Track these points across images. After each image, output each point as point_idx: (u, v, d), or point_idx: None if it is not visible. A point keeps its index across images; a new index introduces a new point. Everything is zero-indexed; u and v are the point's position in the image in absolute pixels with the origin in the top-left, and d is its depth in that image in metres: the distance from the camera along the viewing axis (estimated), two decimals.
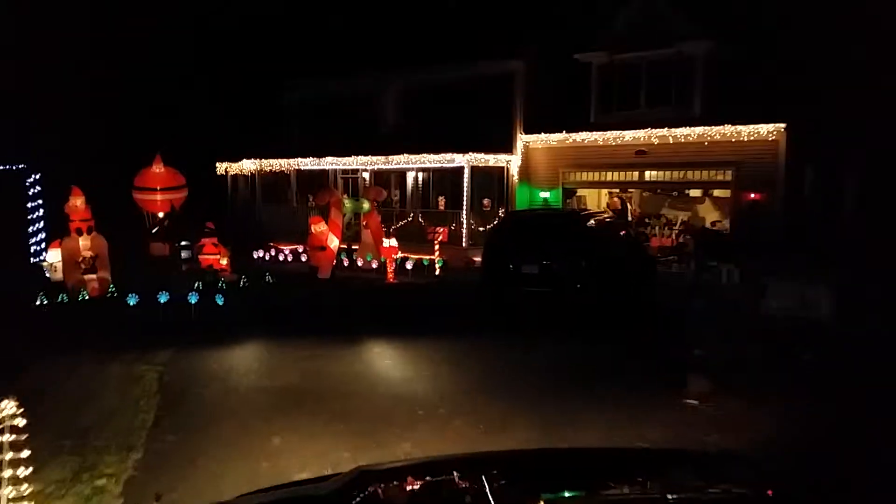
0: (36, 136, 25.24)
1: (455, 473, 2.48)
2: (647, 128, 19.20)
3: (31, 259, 20.38)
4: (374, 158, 22.56)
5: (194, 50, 31.00)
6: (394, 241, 18.48)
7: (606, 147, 20.07)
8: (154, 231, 19.29)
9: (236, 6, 31.27)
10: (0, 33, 26.32)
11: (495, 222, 14.12)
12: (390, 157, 22.14)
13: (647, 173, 20.12)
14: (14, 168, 20.15)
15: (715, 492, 2.34)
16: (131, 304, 13.18)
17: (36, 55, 27.84)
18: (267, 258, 22.03)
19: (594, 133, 20.16)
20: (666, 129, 18.89)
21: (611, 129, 19.86)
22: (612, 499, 2.28)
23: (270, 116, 28.20)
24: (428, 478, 2.51)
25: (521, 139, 21.75)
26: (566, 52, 20.66)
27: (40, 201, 20.74)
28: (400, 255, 19.04)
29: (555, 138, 20.98)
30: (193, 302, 13.44)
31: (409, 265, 18.25)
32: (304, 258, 20.37)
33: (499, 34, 21.91)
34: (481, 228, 21.22)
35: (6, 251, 19.91)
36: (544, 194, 21.43)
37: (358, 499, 2.11)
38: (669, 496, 2.18)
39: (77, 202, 16.54)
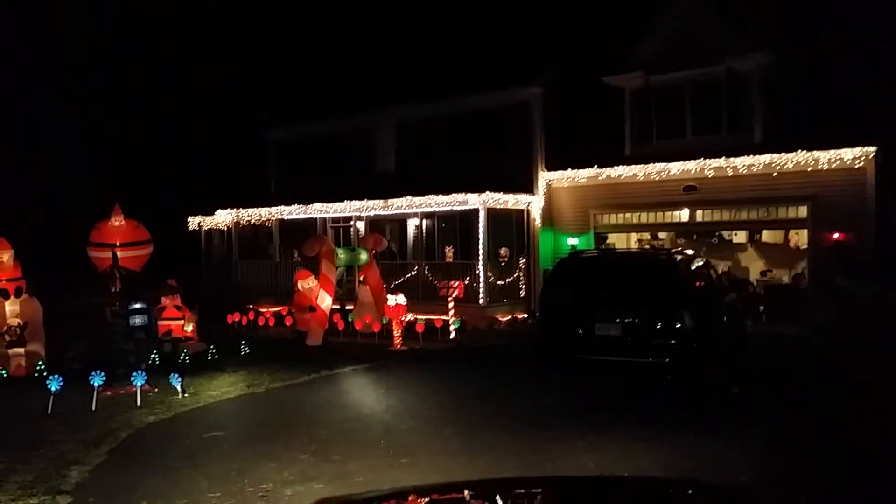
0: None
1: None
2: (697, 158, 16.16)
3: None
4: (371, 203, 19.25)
5: (160, 88, 27.90)
6: (401, 299, 14.99)
7: (648, 183, 17.00)
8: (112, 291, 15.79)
9: (209, 38, 28.34)
10: None
11: (554, 267, 10.66)
12: (389, 202, 18.86)
13: (697, 213, 17.01)
14: None
15: None
16: (53, 389, 9.56)
17: None
18: (244, 323, 18.46)
19: (632, 167, 17.12)
20: (722, 158, 15.86)
21: (652, 162, 16.80)
22: None
23: (249, 161, 25.09)
24: None
25: (543, 177, 18.65)
26: (592, 76, 17.80)
27: None
28: (409, 315, 15.57)
29: (584, 175, 17.90)
30: (139, 385, 9.89)
31: (418, 328, 14.78)
32: (289, 322, 16.82)
33: (512, 58, 19.03)
34: (500, 283, 17.89)
35: None
36: (572, 241, 18.21)
37: None
38: None
39: (3, 257, 13.09)
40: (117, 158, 26.61)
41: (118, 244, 15.59)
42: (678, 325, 8.91)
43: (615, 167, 17.31)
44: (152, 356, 12.56)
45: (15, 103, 25.64)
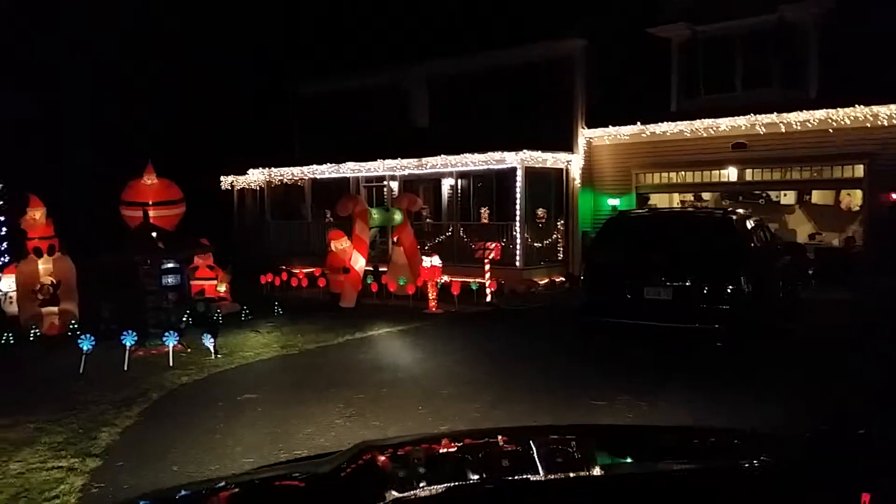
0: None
1: (464, 447, 2.32)
2: (747, 114, 15.37)
3: None
4: (404, 162, 18.77)
5: (191, 46, 27.48)
6: (436, 260, 14.59)
7: (694, 140, 16.26)
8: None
9: None
10: None
11: (601, 227, 10.16)
12: (423, 160, 18.36)
13: (746, 172, 16.27)
14: None
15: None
16: (85, 348, 9.40)
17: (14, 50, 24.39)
18: (277, 284, 18.26)
19: (678, 123, 16.36)
20: (774, 114, 15.07)
21: (699, 118, 16.03)
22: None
23: (281, 120, 24.69)
24: (433, 451, 2.28)
25: (584, 135, 17.98)
26: (636, 27, 16.98)
27: (2, 217, 17.17)
28: (444, 277, 15.19)
29: (626, 132, 17.20)
30: (171, 345, 9.70)
31: (453, 290, 14.39)
32: (322, 283, 16.57)
33: (552, 9, 18.24)
34: (537, 244, 17.40)
35: None
36: (613, 201, 17.59)
37: (360, 472, 1.91)
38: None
39: (35, 215, 13.01)
40: (150, 117, 26.39)
41: (150, 203, 15.43)
42: (733, 289, 8.39)
43: (660, 124, 16.57)
44: (185, 316, 12.36)
45: (48, 60, 25.49)
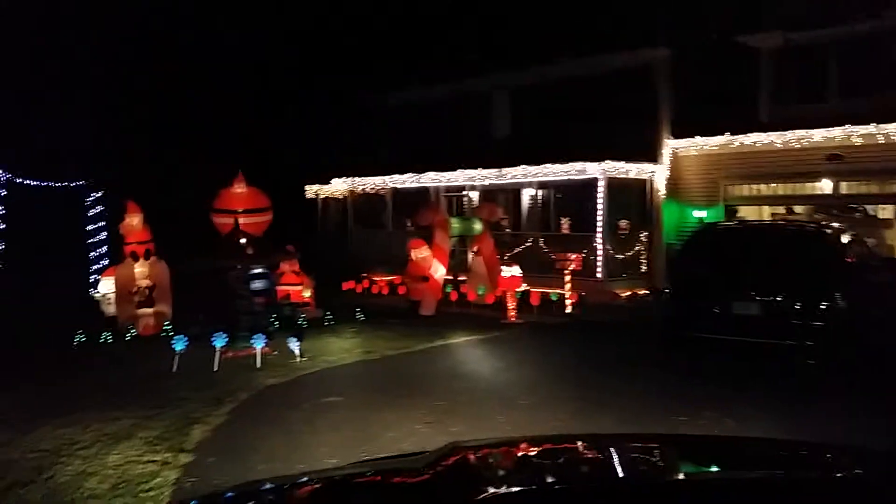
0: (101, 151, 22.86)
1: (555, 450, 2.29)
2: (843, 124, 14.73)
3: (90, 289, 17.63)
4: (485, 172, 18.84)
5: (278, 59, 28.35)
6: (516, 270, 14.56)
7: (786, 151, 15.66)
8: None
9: (321, 7, 28.46)
10: (65, 37, 24.31)
11: (688, 239, 9.93)
12: (504, 171, 18.38)
13: (841, 184, 15.57)
14: (73, 185, 17.59)
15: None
16: (178, 348, 9.82)
17: (105, 60, 25.68)
18: (358, 291, 18.59)
19: (769, 134, 15.79)
20: (872, 124, 14.38)
21: (791, 128, 15.46)
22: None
23: (364, 130, 25.15)
24: (522, 453, 2.28)
25: (669, 145, 17.61)
26: (724, 35, 16.50)
27: (103, 223, 18.08)
28: (523, 287, 15.11)
29: (714, 142, 16.73)
30: (259, 347, 10.01)
31: (533, 301, 14.30)
32: (402, 291, 16.77)
33: (636, 18, 17.97)
34: (619, 256, 17.12)
35: (64, 280, 17.29)
36: (699, 213, 17.11)
37: (450, 471, 1.94)
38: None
39: (133, 220, 13.66)
40: (239, 128, 27.35)
41: (240, 210, 15.95)
42: (828, 305, 8.04)
43: (749, 134, 16.05)
44: (272, 320, 12.72)
45: (143, 69, 26.68)
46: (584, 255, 16.41)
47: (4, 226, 18.04)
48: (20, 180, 17.61)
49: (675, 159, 17.72)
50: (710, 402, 7.62)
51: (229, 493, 2.06)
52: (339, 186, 23.55)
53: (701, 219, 16.82)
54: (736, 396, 7.83)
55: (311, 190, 24.73)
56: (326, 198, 24.76)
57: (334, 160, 24.17)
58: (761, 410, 7.23)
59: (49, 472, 5.90)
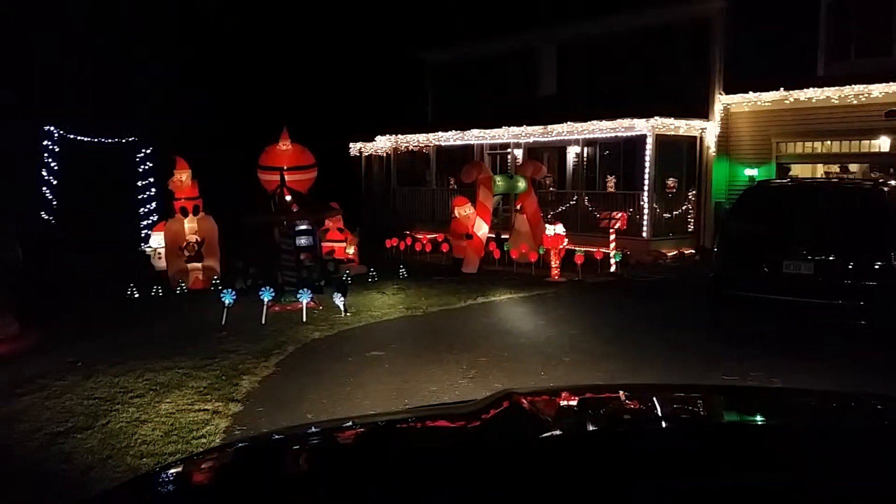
0: (149, 109, 23.17)
1: (608, 398, 2.28)
2: None
3: (140, 244, 18.09)
4: (530, 129, 18.59)
5: (321, 14, 28.21)
6: (560, 228, 14.43)
7: (843, 107, 15.11)
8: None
9: None
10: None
11: (739, 197, 9.70)
12: (549, 128, 18.11)
13: None
14: (123, 141, 17.91)
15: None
16: (227, 302, 10.05)
17: (153, 21, 25.90)
18: (401, 248, 18.68)
19: (824, 89, 15.23)
20: None
21: (849, 84, 14.87)
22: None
23: (407, 87, 25.01)
24: (578, 399, 2.24)
25: (721, 101, 17.12)
26: None
27: (152, 179, 18.43)
28: (566, 245, 14.99)
29: (768, 98, 16.21)
30: (304, 302, 10.17)
31: (577, 259, 14.20)
32: (445, 248, 16.80)
33: None
34: (666, 215, 16.84)
35: (115, 235, 17.75)
36: (750, 171, 16.67)
37: (506, 416, 1.93)
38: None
39: (182, 177, 13.86)
40: (284, 85, 27.43)
41: (286, 167, 16.12)
42: (881, 265, 7.81)
43: (805, 90, 15.49)
44: (313, 276, 12.88)
45: (193, 31, 26.87)
46: (629, 213, 16.19)
47: (57, 181, 18.55)
48: (73, 136, 18.00)
49: (727, 115, 17.24)
50: (756, 362, 7.51)
51: (281, 434, 2.08)
52: (382, 144, 23.53)
53: (752, 177, 16.40)
54: (784, 357, 7.70)
55: (354, 147, 24.77)
56: (370, 155, 24.79)
57: (379, 118, 24.15)
58: (810, 372, 7.11)
59: (104, 418, 6.13)
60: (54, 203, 18.77)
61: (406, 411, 2.55)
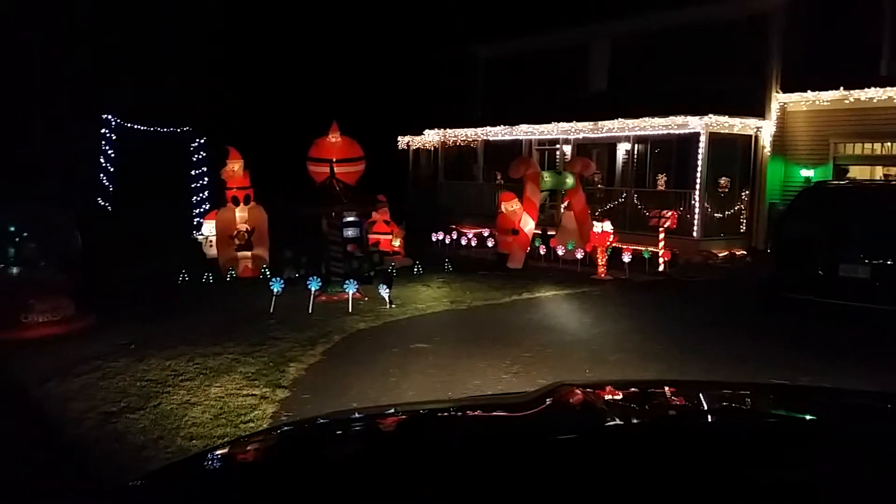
0: (203, 100, 23.63)
1: (660, 393, 2.21)
2: None
3: (193, 232, 18.49)
4: (580, 125, 18.44)
5: (373, 7, 28.37)
6: (608, 226, 14.29)
7: None
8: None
9: None
10: None
11: (795, 198, 9.49)
12: (600, 124, 17.93)
13: None
14: (178, 131, 18.30)
15: None
16: (275, 290, 10.21)
17: (211, 12, 26.38)
18: (447, 242, 18.73)
19: (887, 89, 14.75)
20: None
21: None
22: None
23: (457, 81, 24.99)
24: (630, 394, 2.17)
25: (777, 99, 16.73)
26: None
27: (205, 168, 18.80)
28: (613, 243, 14.84)
29: (827, 97, 15.77)
30: (351, 292, 10.27)
31: (625, 258, 14.04)
32: (490, 243, 16.78)
33: None
34: (718, 215, 16.54)
35: (168, 223, 18.16)
36: (807, 172, 16.26)
37: (558, 407, 1.92)
38: None
39: (234, 167, 14.11)
40: (335, 78, 27.69)
41: (335, 160, 16.29)
42: None
43: (866, 89, 15.02)
44: (363, 267, 12.99)
45: (245, 26, 27.31)
46: (680, 212, 15.94)
47: (114, 169, 19.05)
48: (130, 125, 18.48)
49: (783, 114, 16.83)
50: (807, 367, 7.33)
51: (328, 419, 2.09)
52: (430, 137, 23.60)
53: (808, 178, 16.00)
54: (836, 363, 7.50)
55: (402, 141, 24.90)
56: (418, 149, 24.88)
57: (427, 111, 24.21)
58: (862, 378, 6.91)
59: (156, 400, 6.29)
60: (111, 190, 19.30)
61: (458, 400, 2.54)
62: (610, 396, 2.06)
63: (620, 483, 1.30)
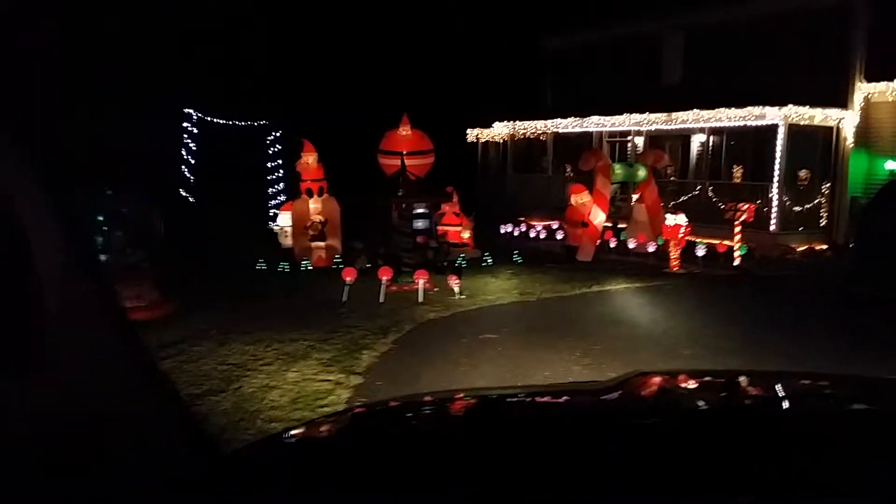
0: (278, 95, 24.18)
1: (740, 383, 2.09)
2: None
3: (269, 223, 19.02)
4: (652, 116, 18.14)
5: (443, 4, 28.46)
6: (682, 218, 14.02)
7: None
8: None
9: None
10: None
11: (879, 191, 9.15)
12: (673, 115, 17.60)
13: None
14: (255, 124, 18.84)
15: None
16: (348, 279, 10.45)
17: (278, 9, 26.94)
18: (515, 234, 18.72)
19: None
20: None
21: None
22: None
23: (526, 74, 24.89)
24: (710, 384, 2.12)
25: (861, 90, 16.08)
26: None
27: (280, 161, 19.29)
28: (686, 235, 14.56)
29: None
30: (421, 282, 10.43)
31: (699, 251, 13.76)
32: (559, 236, 16.70)
33: None
34: (797, 208, 16.03)
35: (246, 213, 18.74)
36: (890, 165, 15.58)
37: (632, 395, 1.92)
38: None
39: (308, 159, 14.46)
40: (405, 71, 27.91)
41: (405, 152, 16.49)
42: None
43: None
44: (437, 258, 13.13)
45: (318, 21, 27.77)
46: (756, 205, 15.50)
47: (194, 161, 19.76)
48: (210, 119, 19.13)
49: (868, 105, 16.16)
50: (889, 368, 7.07)
51: (404, 401, 2.13)
52: (499, 130, 23.60)
53: (893, 171, 15.34)
54: None
55: (471, 133, 24.96)
56: (487, 141, 24.91)
57: (496, 104, 24.18)
58: None
59: (237, 383, 6.55)
60: (192, 181, 20.03)
61: (533, 386, 2.55)
62: (692, 384, 2.06)
63: (708, 470, 1.32)
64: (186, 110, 19.81)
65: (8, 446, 0.92)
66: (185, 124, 19.77)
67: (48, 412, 0.98)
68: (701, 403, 1.81)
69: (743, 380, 2.19)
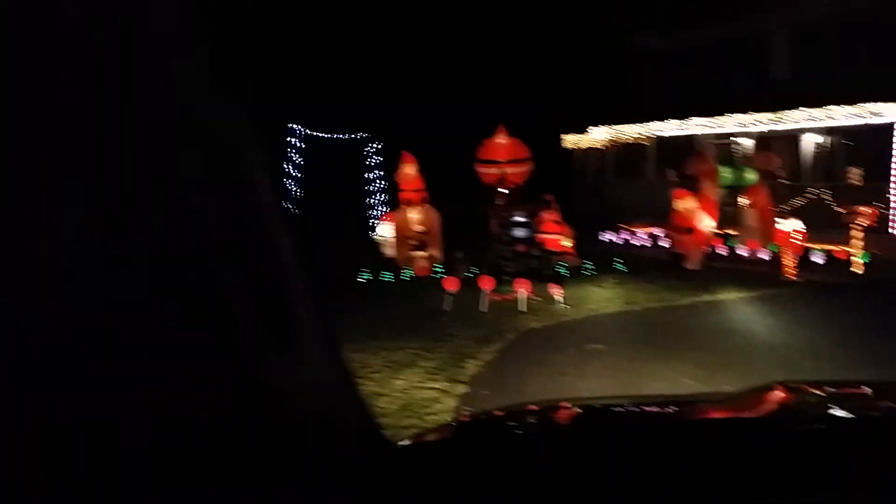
0: (378, 107, 24.68)
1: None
2: None
3: (370, 233, 19.41)
4: (760, 117, 17.40)
5: (537, 4, 28.29)
6: (797, 223, 13.33)
7: None
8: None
9: None
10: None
11: None
12: (781, 115, 16.81)
13: None
14: (355, 137, 19.32)
15: None
16: (451, 290, 10.52)
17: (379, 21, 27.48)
18: (617, 241, 18.33)
19: None
20: None
21: None
22: None
23: (622, 78, 24.40)
24: (852, 394, 1.99)
25: None
26: None
27: (381, 172, 19.68)
28: (802, 241, 13.84)
29: None
30: (521, 295, 10.37)
31: (816, 258, 13.04)
32: (664, 243, 16.22)
33: None
34: None
35: (347, 224, 19.20)
36: None
37: (772, 406, 1.85)
38: None
39: (408, 170, 14.67)
40: (500, 79, 27.94)
41: (503, 161, 16.46)
42: None
43: None
44: (541, 266, 13.01)
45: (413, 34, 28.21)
46: (881, 209, 14.56)
47: (301, 174, 20.43)
48: (314, 133, 19.76)
49: None
50: None
51: (517, 410, 2.09)
52: (597, 136, 23.26)
53: None
54: None
55: (568, 140, 24.70)
56: (584, 148, 24.58)
57: (593, 109, 23.83)
58: None
59: None
60: (297, 194, 20.72)
61: (650, 396, 2.46)
62: (835, 395, 1.94)
63: (856, 481, 1.24)
64: (291, 125, 20.55)
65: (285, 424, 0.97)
66: (289, 139, 20.53)
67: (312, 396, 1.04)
68: (849, 414, 1.69)
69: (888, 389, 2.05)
